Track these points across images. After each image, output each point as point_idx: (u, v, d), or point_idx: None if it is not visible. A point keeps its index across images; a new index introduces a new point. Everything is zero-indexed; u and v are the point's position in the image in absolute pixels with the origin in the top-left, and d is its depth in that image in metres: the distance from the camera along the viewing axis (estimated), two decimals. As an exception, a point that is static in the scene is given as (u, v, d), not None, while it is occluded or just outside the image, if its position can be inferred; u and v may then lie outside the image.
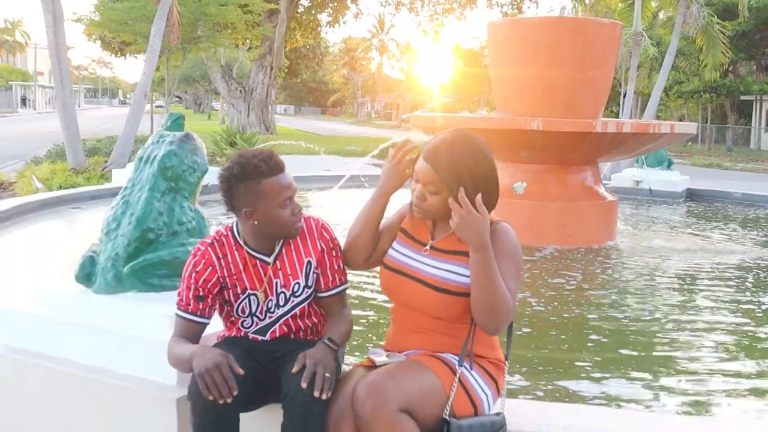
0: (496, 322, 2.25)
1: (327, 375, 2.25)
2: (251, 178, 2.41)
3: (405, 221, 2.58)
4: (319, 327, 2.68)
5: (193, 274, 2.50)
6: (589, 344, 4.21)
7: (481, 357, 2.46)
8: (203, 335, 2.58)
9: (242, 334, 2.62)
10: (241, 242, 2.55)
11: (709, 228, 9.26)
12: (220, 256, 2.53)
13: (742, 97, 40.16)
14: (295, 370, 2.29)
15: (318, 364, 2.27)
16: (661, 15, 31.97)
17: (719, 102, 41.15)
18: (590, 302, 5.24)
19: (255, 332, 2.60)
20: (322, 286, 2.63)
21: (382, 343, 2.60)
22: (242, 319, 2.60)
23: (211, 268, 2.51)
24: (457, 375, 2.33)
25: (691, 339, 4.45)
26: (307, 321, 2.64)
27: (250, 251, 2.55)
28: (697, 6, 17.49)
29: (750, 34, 32.77)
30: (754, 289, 5.87)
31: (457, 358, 2.38)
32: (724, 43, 18.69)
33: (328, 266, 2.62)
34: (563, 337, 4.30)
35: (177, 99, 45.80)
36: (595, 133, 6.75)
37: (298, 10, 32.20)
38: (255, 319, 2.59)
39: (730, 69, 34.45)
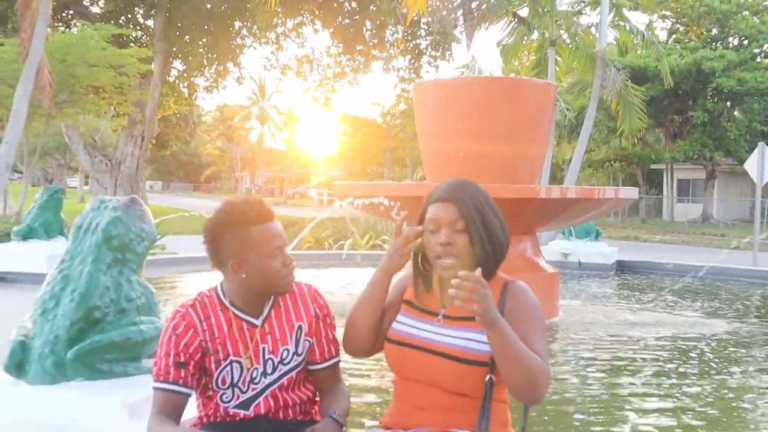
0: (535, 391, 2.30)
1: None
2: (238, 226, 2.46)
3: (407, 294, 2.63)
4: (308, 406, 2.68)
5: (173, 338, 2.48)
6: (575, 423, 4.35)
7: None
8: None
9: (221, 410, 2.57)
10: (227, 303, 2.56)
11: (649, 300, 9.75)
12: (203, 318, 2.53)
13: (652, 166, 42.77)
14: None
15: None
16: (564, 83, 33.94)
17: (630, 171, 43.62)
18: (559, 380, 5.42)
19: (236, 406, 2.56)
20: (317, 356, 2.65)
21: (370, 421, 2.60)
22: (222, 391, 2.55)
23: (192, 330, 2.49)
24: None
25: (673, 421, 4.68)
26: (294, 396, 2.63)
27: (237, 312, 2.55)
28: (614, 69, 18.77)
29: (658, 99, 35.19)
30: (717, 360, 6.25)
31: None
32: (641, 109, 20.01)
33: (323, 335, 2.66)
34: (545, 418, 4.43)
35: (18, 175, 43.80)
36: (538, 199, 7.07)
37: (172, 74, 32.10)
38: (236, 390, 2.55)
39: (640, 137, 36.71)
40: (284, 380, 2.59)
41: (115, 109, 26.02)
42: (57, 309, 3.19)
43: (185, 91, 33.62)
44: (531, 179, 8.30)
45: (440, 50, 31.19)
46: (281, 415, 2.61)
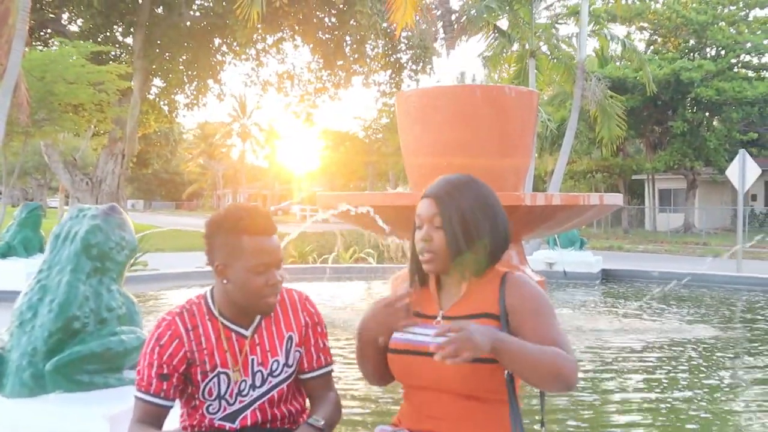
0: (563, 381, 2.23)
1: None
2: (230, 230, 2.38)
3: None
4: (297, 417, 2.61)
5: (157, 349, 2.39)
6: (569, 429, 4.33)
7: None
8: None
9: (206, 421, 2.49)
10: (216, 312, 2.47)
11: (636, 308, 9.74)
12: (190, 327, 2.44)
13: (633, 177, 43.02)
14: None
15: None
16: (544, 95, 34.10)
17: (612, 182, 43.85)
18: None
19: (222, 419, 2.48)
20: (306, 366, 2.57)
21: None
22: (208, 402, 2.47)
23: (177, 341, 2.41)
24: None
25: (666, 424, 4.63)
26: (283, 408, 2.55)
27: (226, 322, 2.47)
28: (595, 79, 18.88)
29: (638, 110, 35.40)
30: (706, 365, 6.25)
31: None
32: (620, 117, 20.12)
33: (312, 344, 2.58)
34: (537, 425, 4.36)
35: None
36: (524, 207, 7.02)
37: (152, 91, 31.95)
38: (223, 402, 2.47)
39: (621, 148, 36.89)
40: (274, 393, 2.51)
41: (94, 127, 25.82)
42: (35, 320, 3.09)
43: (166, 108, 33.48)
44: (516, 185, 8.26)
45: (421, 64, 31.20)
46: (269, 426, 2.53)
